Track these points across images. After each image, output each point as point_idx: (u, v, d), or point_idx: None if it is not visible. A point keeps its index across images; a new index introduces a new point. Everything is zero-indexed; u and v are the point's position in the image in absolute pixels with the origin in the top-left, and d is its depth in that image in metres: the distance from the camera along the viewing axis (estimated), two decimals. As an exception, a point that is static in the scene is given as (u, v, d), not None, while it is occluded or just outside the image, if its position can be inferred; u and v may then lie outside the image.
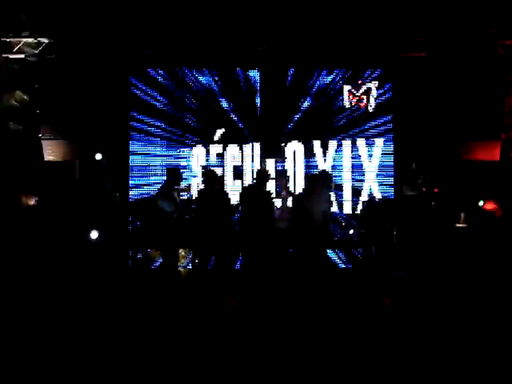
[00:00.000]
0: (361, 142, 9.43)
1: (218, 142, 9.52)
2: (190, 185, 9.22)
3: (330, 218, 7.71)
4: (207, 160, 9.54)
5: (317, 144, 9.45)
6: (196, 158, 9.55)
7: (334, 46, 8.99)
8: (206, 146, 9.55)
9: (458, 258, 8.06)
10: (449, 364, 4.69)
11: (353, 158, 9.47)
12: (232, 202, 7.95)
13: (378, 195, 9.22)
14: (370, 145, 9.41)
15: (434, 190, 8.43)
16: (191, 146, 9.57)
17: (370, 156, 9.42)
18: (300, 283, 7.29)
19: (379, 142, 9.38)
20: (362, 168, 9.42)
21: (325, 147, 9.44)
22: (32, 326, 5.72)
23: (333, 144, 9.46)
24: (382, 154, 9.37)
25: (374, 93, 9.30)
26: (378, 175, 9.36)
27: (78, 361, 4.69)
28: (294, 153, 9.44)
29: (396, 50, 9.06)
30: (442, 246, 8.30)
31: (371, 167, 9.41)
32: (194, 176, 9.40)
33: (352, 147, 9.43)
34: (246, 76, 9.48)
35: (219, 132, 9.52)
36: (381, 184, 9.34)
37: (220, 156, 9.55)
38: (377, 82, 9.33)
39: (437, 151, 9.04)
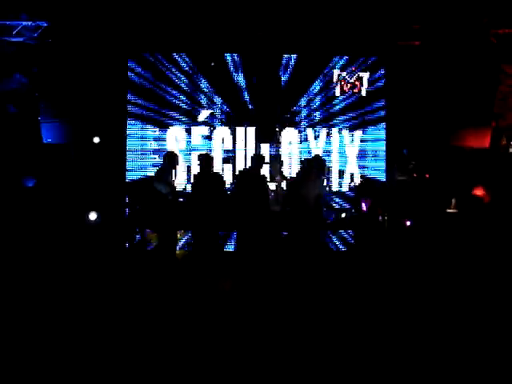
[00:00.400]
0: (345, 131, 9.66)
1: (203, 124, 9.57)
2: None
3: (322, 202, 7.87)
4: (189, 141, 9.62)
5: (309, 131, 9.61)
6: (174, 138, 9.57)
7: (330, 33, 9.10)
8: (188, 127, 9.58)
9: (448, 243, 8.23)
10: (437, 352, 4.81)
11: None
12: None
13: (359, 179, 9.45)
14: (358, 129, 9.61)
15: (425, 175, 8.58)
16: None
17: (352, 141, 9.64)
18: (293, 266, 7.45)
19: (358, 132, 9.62)
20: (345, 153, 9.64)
21: (316, 134, 9.61)
22: (30, 309, 5.80)
23: (324, 131, 9.62)
24: (375, 139, 9.54)
25: (366, 80, 9.43)
26: (369, 160, 9.55)
27: (74, 349, 4.71)
28: (288, 138, 9.59)
29: (391, 38, 9.18)
30: (433, 231, 8.47)
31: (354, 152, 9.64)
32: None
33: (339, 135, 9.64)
34: (242, 61, 9.55)
35: (205, 113, 9.55)
36: (373, 169, 9.51)
37: (208, 138, 9.60)
38: (368, 72, 9.48)
39: (428, 137, 9.19)
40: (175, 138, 9.56)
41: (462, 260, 7.64)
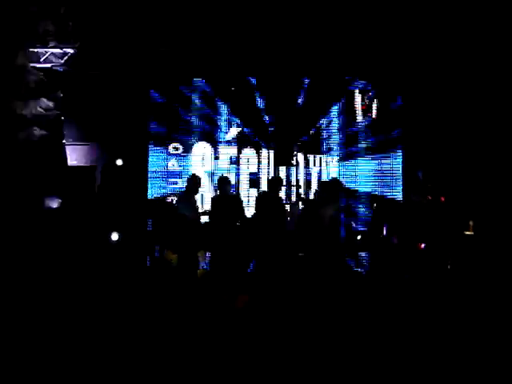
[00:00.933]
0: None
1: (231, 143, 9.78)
2: None
3: (338, 223, 8.01)
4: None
5: (325, 156, 9.85)
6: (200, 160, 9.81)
7: (348, 58, 9.34)
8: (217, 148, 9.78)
9: (464, 265, 8.29)
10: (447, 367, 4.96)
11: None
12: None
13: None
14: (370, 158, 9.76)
15: (441, 198, 8.67)
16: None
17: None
18: (309, 286, 7.57)
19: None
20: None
21: (333, 157, 9.84)
22: (54, 325, 6.04)
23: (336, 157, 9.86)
24: (393, 162, 9.70)
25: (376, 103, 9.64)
26: (386, 183, 9.69)
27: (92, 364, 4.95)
28: (306, 163, 9.79)
29: (408, 64, 9.39)
30: (449, 253, 8.54)
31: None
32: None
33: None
34: (261, 85, 9.82)
35: (234, 131, 9.67)
36: (391, 192, 9.65)
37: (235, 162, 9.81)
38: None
39: (445, 161, 9.30)
40: (202, 158, 9.80)
41: (478, 281, 7.71)
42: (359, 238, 8.85)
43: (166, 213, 8.79)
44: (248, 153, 9.79)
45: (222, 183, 8.14)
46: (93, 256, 8.66)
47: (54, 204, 9.40)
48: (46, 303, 6.85)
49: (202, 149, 9.81)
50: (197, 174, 8.63)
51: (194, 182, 8.24)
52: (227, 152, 9.79)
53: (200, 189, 8.51)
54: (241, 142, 9.73)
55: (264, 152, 9.80)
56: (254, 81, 9.84)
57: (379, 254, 8.37)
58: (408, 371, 4.90)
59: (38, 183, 9.38)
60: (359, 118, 9.75)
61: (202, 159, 9.81)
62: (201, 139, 9.83)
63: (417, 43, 9.23)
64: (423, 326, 6.28)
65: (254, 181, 9.73)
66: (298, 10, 9.00)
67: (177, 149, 9.73)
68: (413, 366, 5.01)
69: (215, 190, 8.80)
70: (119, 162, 9.60)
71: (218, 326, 6.11)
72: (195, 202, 8.29)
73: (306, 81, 9.76)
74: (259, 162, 9.77)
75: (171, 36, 9.51)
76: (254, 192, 9.62)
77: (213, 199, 8.32)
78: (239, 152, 9.77)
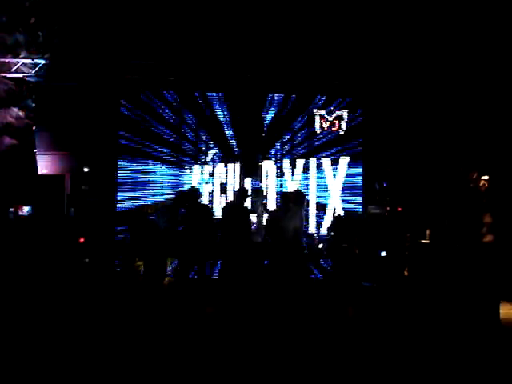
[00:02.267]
0: (326, 161, 10.21)
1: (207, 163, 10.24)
2: None
3: (301, 233, 8.34)
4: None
5: (285, 163, 10.25)
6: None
7: (311, 75, 9.75)
8: (201, 166, 10.23)
9: (421, 271, 8.70)
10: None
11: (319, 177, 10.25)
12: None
13: (341, 212, 9.95)
14: (335, 165, 10.18)
15: (398, 208, 9.10)
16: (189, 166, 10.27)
17: (335, 176, 10.21)
18: (274, 292, 7.87)
19: (344, 161, 10.16)
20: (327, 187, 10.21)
21: (293, 167, 10.23)
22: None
23: (300, 163, 10.24)
24: (351, 174, 10.12)
25: (345, 119, 10.06)
26: (346, 194, 10.11)
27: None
28: (267, 172, 10.20)
29: (368, 79, 9.84)
30: (407, 260, 8.97)
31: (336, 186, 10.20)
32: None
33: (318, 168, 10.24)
34: (227, 99, 10.17)
35: (211, 153, 10.24)
36: (349, 202, 10.06)
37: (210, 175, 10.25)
38: (346, 110, 10.11)
39: (402, 173, 9.78)
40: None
41: (434, 287, 8.12)
42: (321, 246, 9.22)
43: (138, 222, 8.99)
44: (219, 168, 10.29)
45: (192, 193, 8.39)
46: (61, 263, 8.79)
47: (24, 212, 9.53)
48: (14, 309, 7.00)
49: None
50: (189, 190, 8.77)
51: (182, 198, 8.41)
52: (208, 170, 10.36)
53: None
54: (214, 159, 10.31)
55: (231, 165, 10.22)
56: (215, 95, 10.20)
57: (340, 262, 8.73)
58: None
59: (7, 191, 9.51)
60: (320, 130, 10.14)
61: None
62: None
63: (377, 63, 9.68)
64: (380, 330, 6.63)
65: (223, 189, 10.23)
66: (259, 29, 9.37)
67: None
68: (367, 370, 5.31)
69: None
70: (86, 169, 9.77)
71: (189, 334, 6.29)
72: (176, 214, 8.45)
73: (270, 95, 10.15)
74: (226, 175, 10.24)
75: (143, 48, 9.75)
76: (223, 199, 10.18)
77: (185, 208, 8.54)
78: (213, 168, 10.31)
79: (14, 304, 7.20)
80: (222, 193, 10.19)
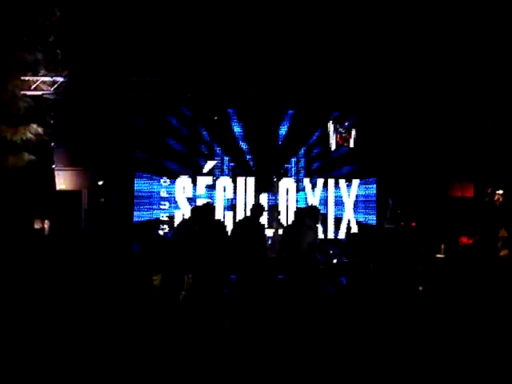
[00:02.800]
0: (342, 182, 10.36)
1: (207, 174, 10.34)
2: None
3: (316, 248, 8.38)
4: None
5: (306, 181, 10.33)
6: (181, 188, 10.32)
7: (325, 91, 9.87)
8: (193, 178, 10.33)
9: (436, 285, 8.72)
10: None
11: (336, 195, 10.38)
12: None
13: (355, 228, 10.02)
14: (349, 185, 10.31)
15: (412, 223, 9.14)
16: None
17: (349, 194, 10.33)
18: (288, 307, 7.92)
19: (356, 181, 10.25)
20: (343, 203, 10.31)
21: (313, 185, 10.31)
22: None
23: (320, 182, 10.33)
24: (367, 191, 10.20)
25: (354, 133, 10.16)
26: (362, 210, 10.18)
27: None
28: (287, 189, 10.27)
29: (381, 97, 9.94)
30: (422, 274, 8.98)
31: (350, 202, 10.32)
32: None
33: (335, 186, 10.35)
34: (242, 116, 10.33)
35: (210, 164, 10.30)
36: (365, 218, 10.13)
37: (211, 188, 10.33)
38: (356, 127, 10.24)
39: (416, 188, 9.83)
40: (183, 187, 10.30)
41: (449, 302, 8.13)
42: (335, 261, 9.26)
43: (154, 236, 9.11)
44: (224, 181, 10.39)
45: (205, 209, 8.48)
46: (81, 277, 8.90)
47: (43, 226, 9.67)
48: (34, 318, 7.08)
49: (183, 180, 10.40)
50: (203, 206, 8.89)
51: (197, 214, 8.50)
52: (206, 182, 10.44)
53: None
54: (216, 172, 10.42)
55: (241, 179, 10.33)
56: (231, 111, 10.35)
57: (355, 277, 8.78)
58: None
59: (26, 206, 9.67)
60: (336, 147, 10.23)
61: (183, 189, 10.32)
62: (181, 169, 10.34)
63: (392, 81, 9.79)
64: (398, 345, 6.65)
65: (230, 206, 10.35)
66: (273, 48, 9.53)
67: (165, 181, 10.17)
68: None
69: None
70: (100, 183, 9.92)
71: (204, 348, 6.38)
72: (192, 230, 8.53)
73: (289, 112, 10.28)
74: (235, 189, 10.36)
75: (158, 67, 9.93)
76: (229, 214, 10.30)
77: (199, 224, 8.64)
78: (214, 181, 10.43)
79: (32, 316, 7.29)
80: (227, 209, 10.23)
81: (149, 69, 9.98)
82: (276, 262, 8.44)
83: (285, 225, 9.58)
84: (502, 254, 9.09)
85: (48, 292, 8.35)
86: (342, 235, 9.95)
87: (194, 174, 10.35)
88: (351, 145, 10.20)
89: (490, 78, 9.58)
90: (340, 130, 10.18)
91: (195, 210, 8.59)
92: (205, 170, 10.34)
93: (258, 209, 8.37)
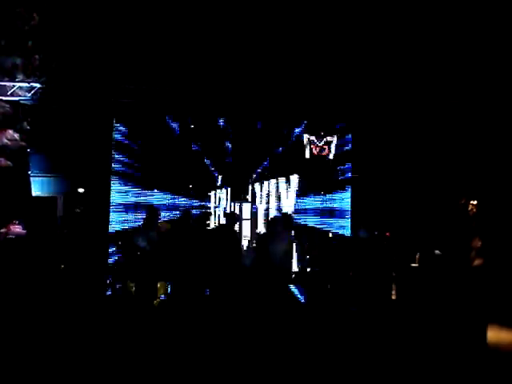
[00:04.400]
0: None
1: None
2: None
3: (290, 257, 8.44)
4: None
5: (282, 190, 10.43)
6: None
7: (299, 102, 9.95)
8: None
9: (408, 294, 8.80)
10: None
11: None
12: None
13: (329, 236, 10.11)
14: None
15: (386, 233, 9.23)
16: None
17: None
18: (261, 315, 7.96)
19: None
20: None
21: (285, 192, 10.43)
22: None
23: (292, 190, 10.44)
24: (341, 199, 10.29)
25: (334, 144, 10.24)
26: (336, 219, 10.28)
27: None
28: (261, 198, 10.36)
29: (357, 106, 10.04)
30: (396, 282, 9.07)
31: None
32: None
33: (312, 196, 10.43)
34: (218, 126, 10.37)
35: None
36: (340, 227, 10.22)
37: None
38: (335, 136, 10.30)
39: (391, 198, 9.93)
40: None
41: (423, 311, 8.21)
42: (309, 270, 9.31)
43: (125, 243, 9.09)
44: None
45: (184, 215, 8.56)
46: (53, 284, 8.85)
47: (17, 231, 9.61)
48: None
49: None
50: (153, 205, 8.92)
51: (152, 213, 8.59)
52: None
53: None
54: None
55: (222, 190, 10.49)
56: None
57: (327, 286, 8.84)
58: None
59: (2, 211, 9.61)
60: (309, 156, 10.32)
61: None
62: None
63: (367, 90, 9.89)
64: (363, 353, 6.71)
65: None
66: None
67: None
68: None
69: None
70: (80, 190, 9.89)
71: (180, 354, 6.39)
72: (154, 234, 8.60)
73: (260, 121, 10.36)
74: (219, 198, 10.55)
75: (138, 73, 9.94)
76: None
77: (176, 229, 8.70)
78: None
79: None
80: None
81: (128, 75, 9.95)
82: (250, 270, 8.48)
83: (258, 233, 9.63)
84: (475, 263, 9.18)
85: (20, 298, 8.32)
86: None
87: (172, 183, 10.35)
88: (331, 156, 10.28)
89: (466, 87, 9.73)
90: (316, 141, 10.25)
91: (150, 210, 8.60)
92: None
93: (231, 217, 8.44)
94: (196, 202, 10.42)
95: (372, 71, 9.76)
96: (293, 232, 8.69)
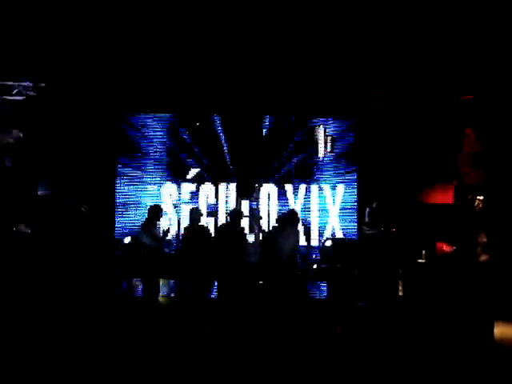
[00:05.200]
0: (326, 186, 10.39)
1: (191, 181, 10.34)
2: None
3: (296, 254, 8.44)
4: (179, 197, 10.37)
5: (288, 187, 10.37)
6: (168, 195, 10.36)
7: (305, 98, 9.94)
8: (178, 184, 10.35)
9: (417, 291, 8.79)
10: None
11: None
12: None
13: (339, 234, 10.08)
14: (333, 189, 10.36)
15: (392, 229, 9.20)
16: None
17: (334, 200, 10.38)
18: (268, 313, 7.96)
19: (341, 187, 10.31)
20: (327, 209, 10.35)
21: (296, 190, 10.37)
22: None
23: (303, 187, 10.37)
24: (346, 196, 10.28)
25: (335, 141, 10.24)
26: (341, 216, 10.24)
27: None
28: (268, 194, 10.31)
29: (361, 103, 10.02)
30: (403, 278, 9.06)
31: (334, 209, 10.35)
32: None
33: (319, 191, 10.38)
34: (225, 122, 10.36)
35: (193, 171, 10.32)
36: (344, 224, 10.20)
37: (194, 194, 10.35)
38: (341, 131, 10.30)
39: (396, 194, 9.90)
40: (169, 193, 10.35)
41: (431, 308, 8.20)
42: (315, 266, 9.30)
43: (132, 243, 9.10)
44: (207, 188, 10.41)
45: (192, 214, 8.57)
46: (61, 283, 8.86)
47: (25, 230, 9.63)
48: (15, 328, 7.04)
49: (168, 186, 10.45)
50: (156, 205, 8.96)
51: (154, 212, 8.57)
52: (189, 188, 10.45)
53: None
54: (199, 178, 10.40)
55: (222, 186, 10.37)
56: (217, 118, 10.39)
57: (335, 282, 8.83)
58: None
59: (7, 212, 9.62)
60: (319, 153, 10.28)
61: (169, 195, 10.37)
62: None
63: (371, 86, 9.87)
64: (371, 349, 6.69)
65: (211, 212, 10.35)
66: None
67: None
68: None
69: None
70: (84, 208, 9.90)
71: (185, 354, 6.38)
72: (156, 231, 8.61)
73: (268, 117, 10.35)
74: (217, 196, 10.39)
75: (142, 71, 9.93)
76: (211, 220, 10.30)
77: (184, 229, 8.71)
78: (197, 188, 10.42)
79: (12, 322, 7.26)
80: (209, 215, 10.24)
81: (133, 72, 9.95)
82: (256, 267, 8.48)
83: (266, 230, 9.60)
84: (482, 259, 9.16)
85: (31, 296, 8.33)
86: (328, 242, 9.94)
87: (178, 180, 10.33)
88: (334, 151, 10.26)
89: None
90: (326, 136, 10.23)
91: (151, 209, 8.60)
92: (189, 177, 10.32)
93: (236, 214, 8.44)
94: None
95: (378, 69, 9.73)
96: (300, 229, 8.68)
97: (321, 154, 10.29)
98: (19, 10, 8.99)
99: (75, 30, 9.33)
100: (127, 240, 9.05)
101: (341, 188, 10.32)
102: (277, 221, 8.93)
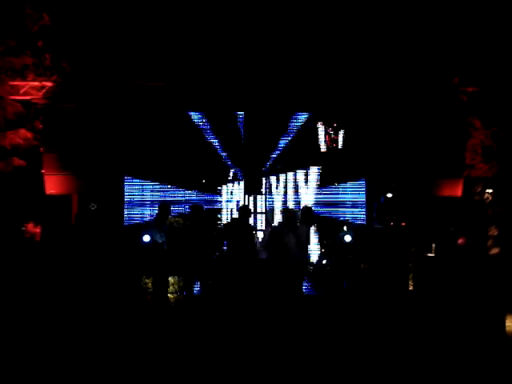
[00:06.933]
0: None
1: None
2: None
3: (306, 249, 8.40)
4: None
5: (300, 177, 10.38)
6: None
7: (312, 93, 9.92)
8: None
9: (425, 284, 8.76)
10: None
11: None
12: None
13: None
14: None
15: (401, 223, 9.19)
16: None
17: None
18: (277, 308, 7.94)
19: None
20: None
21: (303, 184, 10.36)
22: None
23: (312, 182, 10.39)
24: (356, 191, 10.24)
25: (341, 134, 10.21)
26: (351, 211, 10.22)
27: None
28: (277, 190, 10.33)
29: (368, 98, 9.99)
30: (413, 272, 9.04)
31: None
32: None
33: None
34: (234, 118, 10.36)
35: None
36: (354, 218, 10.16)
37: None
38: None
39: (405, 188, 9.86)
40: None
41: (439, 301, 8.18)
42: (325, 262, 9.28)
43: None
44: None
45: (195, 210, 8.57)
46: (69, 280, 8.89)
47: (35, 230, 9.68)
48: (26, 329, 7.05)
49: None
50: (166, 202, 8.93)
51: (164, 209, 8.58)
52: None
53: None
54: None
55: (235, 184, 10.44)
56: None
57: (345, 277, 8.81)
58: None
59: (16, 211, 9.66)
60: (325, 148, 10.25)
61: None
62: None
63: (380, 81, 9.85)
64: (381, 342, 6.68)
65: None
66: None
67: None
68: None
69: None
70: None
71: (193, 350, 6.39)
72: (164, 228, 8.61)
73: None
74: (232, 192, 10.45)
75: (148, 70, 9.95)
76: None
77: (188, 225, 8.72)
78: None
79: (23, 323, 7.29)
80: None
81: (139, 73, 9.97)
82: (266, 263, 8.46)
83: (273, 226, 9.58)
84: (492, 252, 9.14)
85: (42, 296, 8.36)
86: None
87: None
88: (339, 146, 10.22)
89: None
90: (329, 131, 10.19)
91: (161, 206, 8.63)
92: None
93: (244, 210, 8.43)
94: (207, 196, 10.37)
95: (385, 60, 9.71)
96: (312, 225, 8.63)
97: (325, 149, 10.26)
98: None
99: (83, 28, 9.41)
100: (147, 239, 8.99)
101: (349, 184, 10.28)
102: (285, 216, 8.89)
